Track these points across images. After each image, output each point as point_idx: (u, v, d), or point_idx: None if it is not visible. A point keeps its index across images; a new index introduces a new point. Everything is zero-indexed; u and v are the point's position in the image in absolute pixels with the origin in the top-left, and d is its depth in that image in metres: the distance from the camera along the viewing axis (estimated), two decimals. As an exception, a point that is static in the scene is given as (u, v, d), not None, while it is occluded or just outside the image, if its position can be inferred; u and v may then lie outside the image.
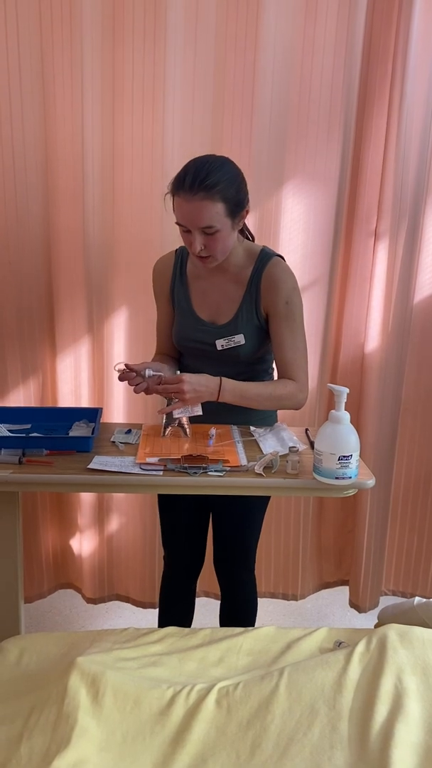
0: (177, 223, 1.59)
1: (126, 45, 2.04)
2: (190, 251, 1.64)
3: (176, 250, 1.82)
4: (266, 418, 1.83)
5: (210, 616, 2.16)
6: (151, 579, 2.46)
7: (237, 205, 1.58)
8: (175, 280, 1.78)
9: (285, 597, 2.59)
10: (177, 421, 1.72)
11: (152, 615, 2.33)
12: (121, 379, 1.64)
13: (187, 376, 1.59)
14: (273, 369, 1.86)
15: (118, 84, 2.08)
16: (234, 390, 1.63)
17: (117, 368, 1.65)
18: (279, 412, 1.90)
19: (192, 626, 2.04)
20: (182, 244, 1.80)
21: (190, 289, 1.77)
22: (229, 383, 1.63)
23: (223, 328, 1.72)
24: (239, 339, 1.70)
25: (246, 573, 1.93)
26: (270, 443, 1.69)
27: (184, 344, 1.79)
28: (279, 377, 1.73)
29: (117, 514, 2.49)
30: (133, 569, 2.52)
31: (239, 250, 1.70)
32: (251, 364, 1.77)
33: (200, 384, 1.60)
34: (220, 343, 1.70)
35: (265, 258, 1.70)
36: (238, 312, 1.71)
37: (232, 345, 1.70)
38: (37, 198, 2.18)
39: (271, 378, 1.86)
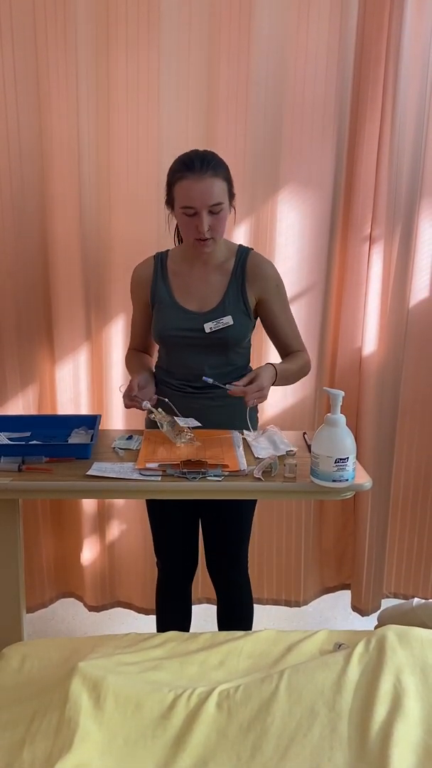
0: (184, 207, 1.65)
1: (120, 55, 2.06)
2: (193, 237, 1.69)
3: (154, 255, 1.88)
4: (248, 419, 1.83)
5: (210, 622, 2.17)
6: (153, 585, 2.45)
7: (232, 189, 1.72)
8: (157, 281, 1.83)
9: (288, 603, 2.59)
10: (183, 430, 1.73)
11: (155, 621, 2.32)
12: (127, 405, 1.75)
13: (263, 379, 1.66)
14: (249, 362, 1.90)
15: (113, 93, 2.10)
16: (281, 374, 1.75)
17: (122, 390, 1.78)
18: (271, 413, 1.93)
19: (190, 627, 2.05)
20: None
21: (171, 285, 1.82)
22: (279, 368, 1.74)
23: (211, 313, 1.77)
24: (227, 320, 1.75)
25: (239, 574, 1.94)
26: (263, 446, 1.70)
27: (168, 335, 1.81)
28: (284, 353, 1.88)
29: (117, 520, 2.50)
30: (135, 575, 2.53)
31: (221, 244, 1.80)
32: (235, 354, 1.81)
33: (270, 379, 1.69)
34: (209, 326, 1.75)
35: (244, 250, 1.83)
36: (224, 297, 1.78)
37: (221, 326, 1.75)
38: (34, 207, 2.21)
39: (249, 367, 1.89)
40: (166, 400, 1.76)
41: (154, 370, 1.92)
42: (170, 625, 1.91)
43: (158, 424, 1.72)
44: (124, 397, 1.75)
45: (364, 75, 2.15)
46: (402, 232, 2.21)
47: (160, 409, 1.73)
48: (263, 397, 1.67)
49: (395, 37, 2.05)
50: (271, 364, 1.74)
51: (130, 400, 1.73)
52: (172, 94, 2.09)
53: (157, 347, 1.94)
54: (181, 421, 1.73)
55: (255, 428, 1.81)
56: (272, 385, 1.71)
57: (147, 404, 1.71)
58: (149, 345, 1.96)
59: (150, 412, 1.71)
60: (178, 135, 2.12)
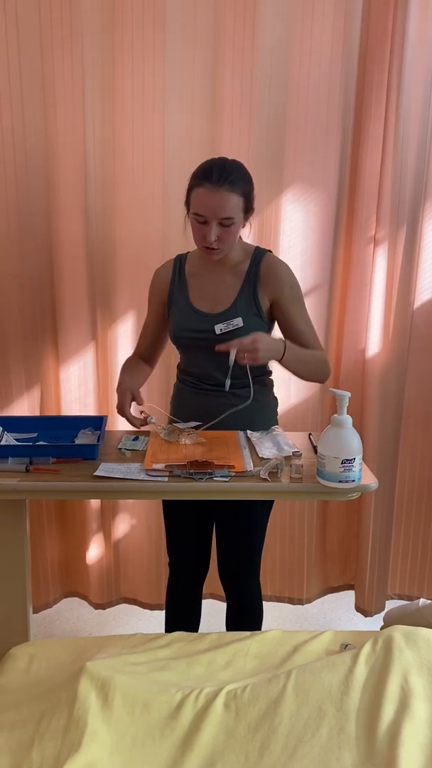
0: (195, 214, 1.67)
1: (125, 58, 2.08)
2: (200, 243, 1.71)
3: (174, 258, 1.89)
4: (267, 421, 1.86)
5: (217, 618, 2.17)
6: (158, 580, 2.49)
7: (250, 203, 1.72)
8: (175, 283, 1.85)
9: (291, 601, 2.60)
10: (185, 431, 1.75)
11: (161, 616, 2.33)
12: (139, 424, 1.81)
13: (261, 335, 1.65)
14: (268, 365, 1.89)
15: (118, 95, 2.11)
16: (293, 350, 1.71)
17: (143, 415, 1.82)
18: (279, 412, 1.94)
19: (199, 628, 2.05)
20: (180, 252, 1.89)
21: (188, 287, 1.84)
22: (290, 345, 1.71)
23: (221, 314, 1.78)
24: (237, 322, 1.75)
25: (251, 581, 1.94)
26: (267, 447, 1.71)
27: (182, 336, 1.83)
28: None
29: (122, 516, 2.51)
30: (140, 571, 2.54)
31: (237, 247, 1.80)
32: None
33: (271, 343, 1.67)
34: (219, 328, 1.75)
35: (260, 253, 1.82)
36: (236, 299, 1.78)
37: (231, 328, 1.75)
38: (39, 210, 2.22)
39: (268, 374, 1.90)
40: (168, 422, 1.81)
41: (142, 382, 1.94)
42: (179, 626, 1.91)
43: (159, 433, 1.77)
44: (131, 421, 1.79)
45: (368, 77, 2.16)
46: (407, 234, 2.22)
47: (162, 426, 1.79)
48: (256, 353, 1.60)
49: (399, 39, 2.06)
50: (283, 339, 1.70)
51: (141, 420, 1.79)
52: (176, 96, 2.11)
53: (160, 355, 1.97)
54: (181, 425, 1.77)
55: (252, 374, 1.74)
56: (282, 359, 1.68)
57: (152, 419, 1.79)
58: (155, 350, 1.96)
59: (147, 423, 1.79)
60: (183, 137, 2.13)
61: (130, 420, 1.79)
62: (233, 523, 1.86)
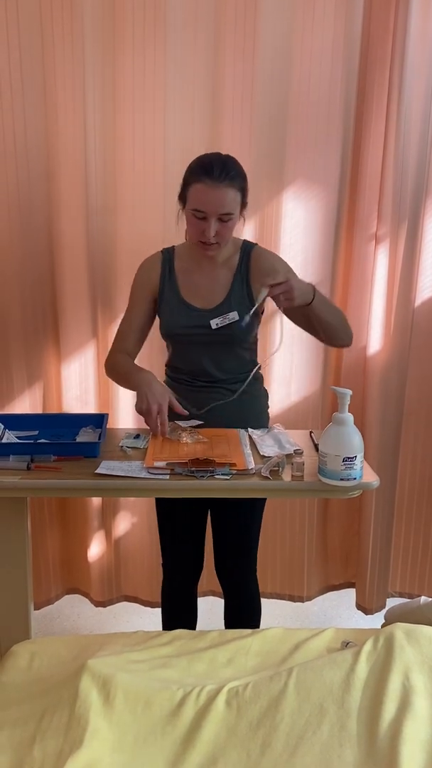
0: (194, 210, 1.66)
1: (126, 56, 2.07)
2: (198, 239, 1.71)
3: (161, 251, 1.87)
4: (259, 414, 1.87)
5: (217, 615, 2.17)
6: (158, 578, 2.45)
7: (245, 198, 1.72)
8: (165, 278, 1.83)
9: (291, 599, 2.60)
10: (187, 430, 1.75)
11: (160, 616, 2.34)
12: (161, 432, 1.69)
13: (292, 276, 1.66)
14: (257, 357, 1.89)
15: (119, 93, 2.11)
16: (320, 294, 1.70)
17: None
18: (275, 412, 1.94)
19: (197, 626, 2.06)
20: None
21: (178, 283, 1.83)
22: (317, 288, 1.70)
23: (216, 309, 1.78)
24: (233, 315, 1.75)
25: (249, 575, 1.95)
26: (268, 445, 1.71)
27: (176, 332, 1.82)
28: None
29: (123, 514, 2.51)
30: (141, 569, 2.54)
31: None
32: (243, 349, 1.81)
33: (302, 283, 1.66)
34: (215, 322, 1.75)
35: (249, 245, 1.83)
36: (229, 293, 1.78)
37: (227, 322, 1.75)
38: (40, 208, 2.21)
39: (256, 365, 1.88)
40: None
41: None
42: (176, 625, 1.91)
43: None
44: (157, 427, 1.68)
45: (369, 74, 2.16)
46: (408, 231, 2.21)
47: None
48: (292, 292, 1.58)
49: (400, 37, 2.05)
50: (311, 283, 1.68)
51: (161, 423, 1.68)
52: (177, 94, 2.10)
53: (140, 349, 1.91)
54: (183, 424, 1.76)
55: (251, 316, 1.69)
56: (312, 301, 1.64)
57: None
58: (139, 347, 1.90)
59: None
60: (184, 135, 2.13)
61: (163, 424, 1.67)
62: (229, 518, 1.87)
